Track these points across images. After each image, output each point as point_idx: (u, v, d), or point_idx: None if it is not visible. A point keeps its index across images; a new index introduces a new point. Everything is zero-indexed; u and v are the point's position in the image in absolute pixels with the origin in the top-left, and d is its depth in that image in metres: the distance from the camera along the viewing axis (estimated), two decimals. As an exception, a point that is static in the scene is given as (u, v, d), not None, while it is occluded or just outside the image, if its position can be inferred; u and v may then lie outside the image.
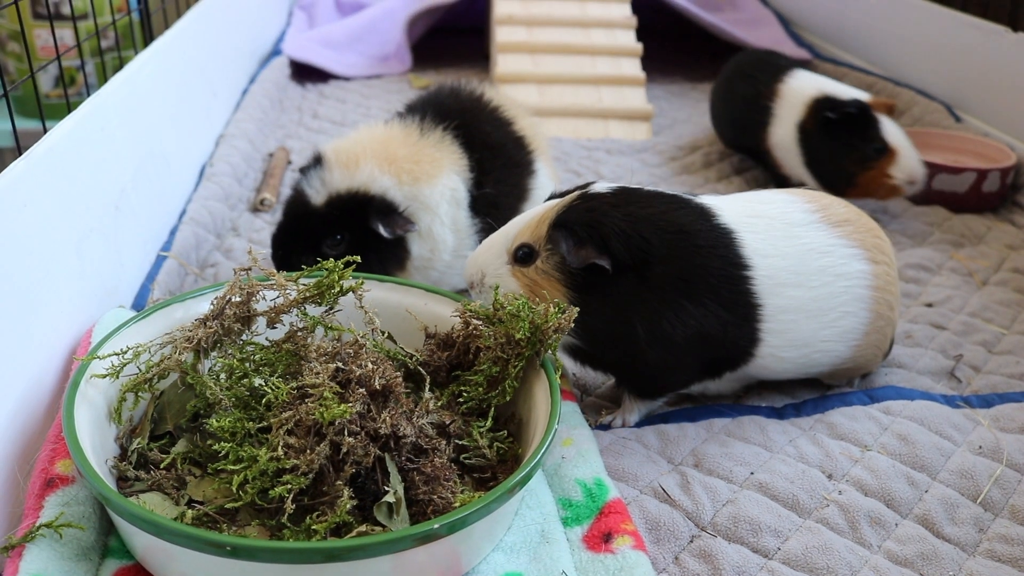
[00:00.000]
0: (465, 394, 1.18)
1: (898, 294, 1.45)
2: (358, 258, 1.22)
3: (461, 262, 1.62)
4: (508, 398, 1.18)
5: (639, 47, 2.87)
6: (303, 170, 1.59)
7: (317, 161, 1.57)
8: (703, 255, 1.28)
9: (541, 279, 1.27)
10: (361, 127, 1.67)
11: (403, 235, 1.53)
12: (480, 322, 1.21)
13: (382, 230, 1.49)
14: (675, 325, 1.26)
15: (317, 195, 1.53)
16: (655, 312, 1.25)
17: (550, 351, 1.20)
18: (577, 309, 1.18)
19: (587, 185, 1.36)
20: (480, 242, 1.58)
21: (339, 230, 1.50)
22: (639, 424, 1.38)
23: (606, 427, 1.37)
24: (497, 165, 1.67)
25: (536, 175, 1.77)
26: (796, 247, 1.33)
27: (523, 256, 1.29)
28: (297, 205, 1.56)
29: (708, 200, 1.36)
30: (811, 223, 1.37)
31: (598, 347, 1.30)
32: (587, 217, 1.26)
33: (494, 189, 1.65)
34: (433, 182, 1.56)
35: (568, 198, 1.31)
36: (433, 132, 1.62)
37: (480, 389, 1.18)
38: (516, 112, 1.79)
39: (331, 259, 1.19)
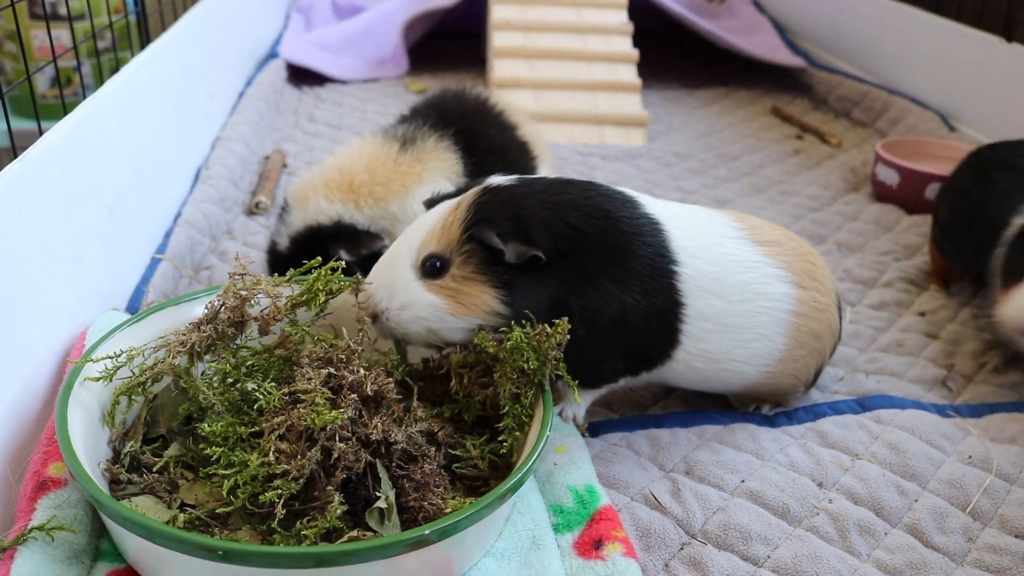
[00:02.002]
0: (504, 444, 1.15)
1: (832, 323, 1.38)
2: (343, 263, 1.23)
3: None
4: (529, 428, 1.16)
5: (635, 53, 2.87)
6: (277, 218, 1.63)
7: (284, 206, 1.60)
8: (630, 241, 1.23)
9: (463, 286, 1.19)
10: (340, 149, 1.67)
11: (370, 253, 1.52)
12: (473, 372, 1.19)
13: (343, 255, 1.49)
14: (603, 307, 1.21)
15: (282, 240, 1.57)
16: (585, 293, 1.21)
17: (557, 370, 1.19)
18: (567, 320, 1.16)
19: (478, 181, 1.29)
20: None
21: None
22: (631, 429, 1.38)
23: (594, 432, 1.37)
24: (499, 169, 1.67)
25: None
26: (721, 255, 1.28)
27: (434, 268, 1.20)
28: (271, 254, 1.60)
29: (626, 191, 1.31)
30: (737, 237, 1.32)
31: None
32: (506, 210, 1.20)
33: None
34: (405, 195, 1.56)
35: (471, 196, 1.23)
36: (424, 141, 1.62)
37: (517, 433, 1.15)
38: (520, 118, 1.79)
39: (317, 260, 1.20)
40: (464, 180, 1.62)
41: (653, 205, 1.29)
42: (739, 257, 1.30)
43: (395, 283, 1.20)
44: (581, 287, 1.21)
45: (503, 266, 1.19)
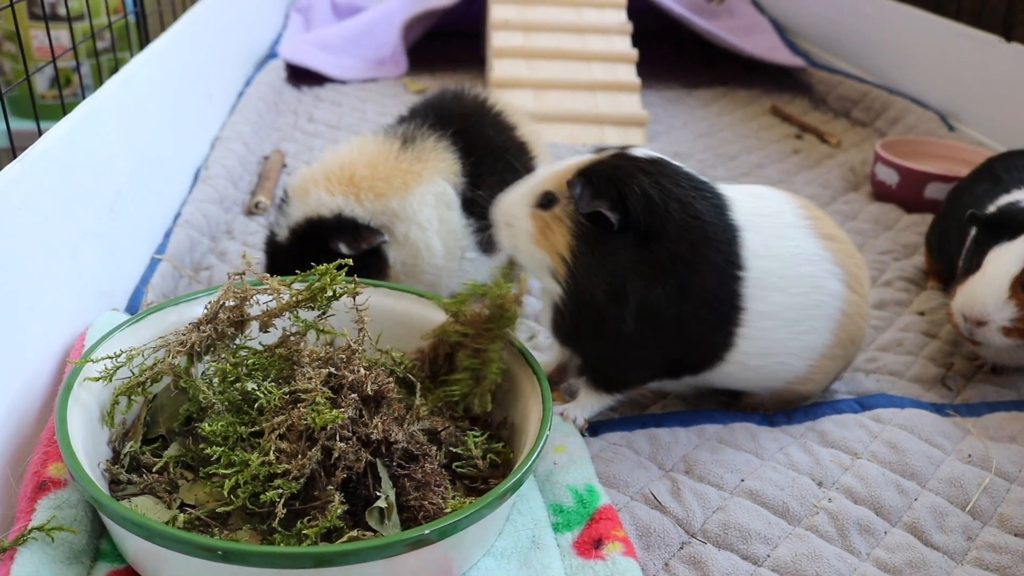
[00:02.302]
0: (456, 392, 1.18)
1: (864, 332, 1.41)
2: (350, 261, 1.23)
3: (456, 264, 1.62)
4: (499, 379, 1.19)
5: (635, 53, 2.87)
6: (276, 208, 1.62)
7: (284, 197, 1.59)
8: (709, 248, 1.27)
9: (553, 223, 1.29)
10: (341, 146, 1.67)
11: (370, 248, 1.52)
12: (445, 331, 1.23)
13: (343, 248, 1.49)
14: (663, 305, 1.25)
15: (281, 231, 1.56)
16: (649, 287, 1.25)
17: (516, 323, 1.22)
18: (528, 279, 1.21)
19: (627, 147, 1.36)
20: (476, 243, 1.61)
21: (307, 259, 1.45)
22: (631, 428, 1.38)
23: (594, 432, 1.37)
24: (498, 169, 1.66)
25: None
26: (786, 249, 1.32)
27: (545, 202, 1.31)
28: (269, 245, 1.59)
29: (727, 191, 1.34)
30: (802, 227, 1.35)
31: (584, 308, 1.28)
32: (611, 172, 1.27)
33: (490, 192, 1.65)
34: (406, 193, 1.56)
35: (603, 154, 1.33)
36: (424, 141, 1.62)
37: (467, 384, 1.18)
38: (518, 118, 1.79)
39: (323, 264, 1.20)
40: (462, 180, 1.62)
41: (739, 207, 1.32)
42: (802, 250, 1.33)
43: (513, 203, 1.34)
44: (647, 277, 1.25)
45: (590, 225, 1.26)
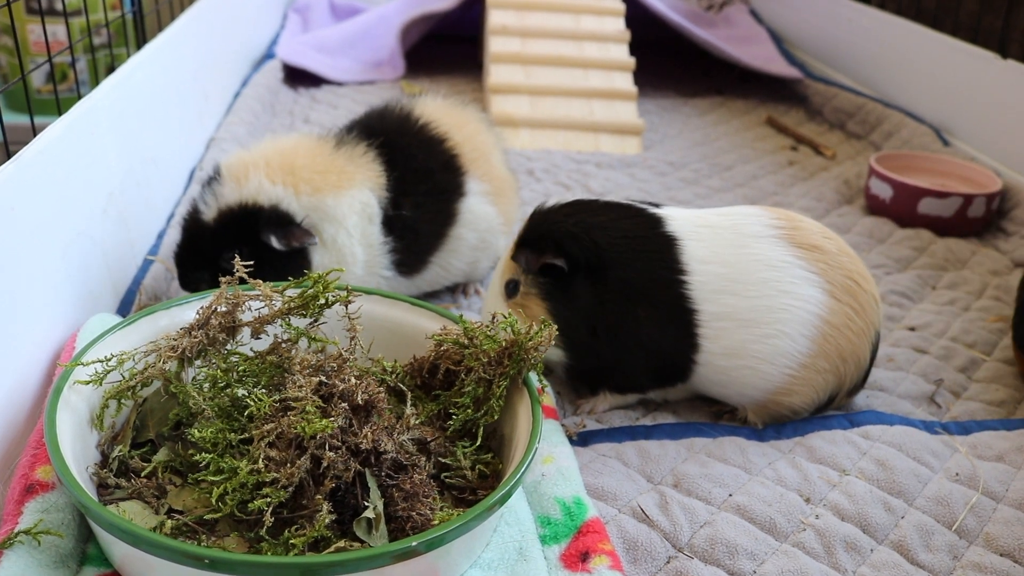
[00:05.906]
0: (454, 416, 1.18)
1: (860, 354, 1.39)
2: (343, 269, 1.23)
3: (374, 279, 1.60)
4: (496, 417, 1.18)
5: (631, 61, 2.88)
6: (203, 185, 1.54)
7: (215, 175, 1.53)
8: (645, 261, 1.35)
9: (526, 301, 1.40)
10: (278, 137, 1.62)
11: (300, 247, 1.49)
12: (452, 346, 1.22)
13: (275, 242, 1.45)
14: (624, 326, 1.36)
15: (208, 211, 1.50)
16: (609, 314, 1.36)
17: (533, 370, 1.20)
18: (555, 327, 1.20)
19: (541, 205, 1.46)
20: (392, 262, 1.61)
21: (234, 244, 1.45)
22: (620, 439, 1.38)
23: (583, 442, 1.38)
24: (420, 190, 1.63)
25: (466, 198, 1.69)
26: (739, 256, 1.36)
27: (512, 289, 1.42)
28: (191, 222, 1.53)
29: (663, 211, 1.42)
30: (766, 236, 1.38)
31: (570, 352, 1.40)
32: (541, 229, 1.39)
33: (412, 213, 1.61)
34: (339, 193, 1.53)
35: (525, 221, 1.43)
36: (354, 147, 1.59)
37: (468, 411, 1.18)
38: (450, 128, 1.71)
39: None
40: (385, 196, 1.59)
41: (678, 222, 1.39)
42: (762, 256, 1.36)
43: (495, 305, 1.44)
44: (604, 303, 1.36)
45: (548, 280, 1.38)
